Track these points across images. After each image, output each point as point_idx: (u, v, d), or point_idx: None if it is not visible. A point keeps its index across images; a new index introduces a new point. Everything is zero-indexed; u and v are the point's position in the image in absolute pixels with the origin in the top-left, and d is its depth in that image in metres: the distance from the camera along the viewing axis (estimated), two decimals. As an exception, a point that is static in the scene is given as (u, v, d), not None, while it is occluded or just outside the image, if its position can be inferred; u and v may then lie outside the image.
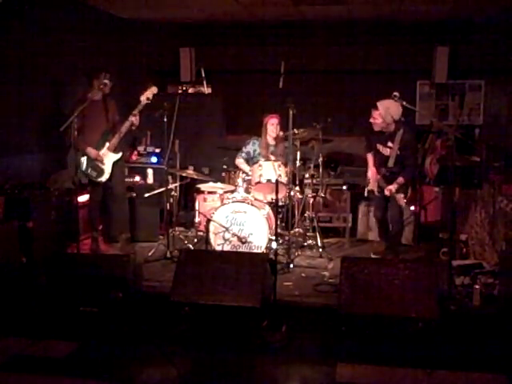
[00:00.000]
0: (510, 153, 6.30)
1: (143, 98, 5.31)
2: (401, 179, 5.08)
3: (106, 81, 5.30)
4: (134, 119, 5.34)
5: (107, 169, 5.42)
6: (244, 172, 5.76)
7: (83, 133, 5.29)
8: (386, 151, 5.21)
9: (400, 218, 5.40)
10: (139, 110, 5.32)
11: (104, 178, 5.43)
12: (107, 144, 5.40)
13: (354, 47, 7.31)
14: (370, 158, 5.45)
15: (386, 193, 5.07)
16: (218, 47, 7.60)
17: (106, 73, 5.35)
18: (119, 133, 5.38)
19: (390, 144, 5.18)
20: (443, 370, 3.41)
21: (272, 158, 5.67)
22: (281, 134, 5.79)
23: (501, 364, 3.47)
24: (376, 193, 5.30)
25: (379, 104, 5.09)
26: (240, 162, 6.00)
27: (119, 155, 5.50)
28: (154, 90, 5.35)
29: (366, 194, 5.53)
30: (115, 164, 5.47)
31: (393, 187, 5.04)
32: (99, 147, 5.39)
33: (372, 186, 5.36)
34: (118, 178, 5.60)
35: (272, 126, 5.83)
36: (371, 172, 5.39)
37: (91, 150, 5.34)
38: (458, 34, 7.05)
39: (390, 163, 5.16)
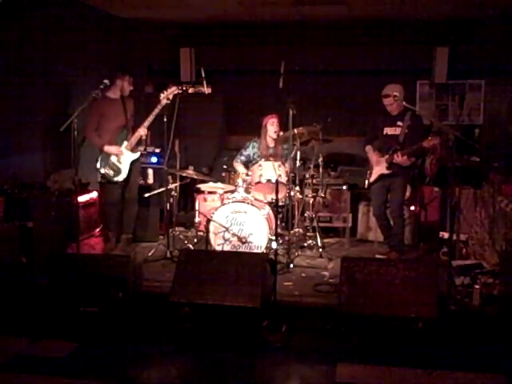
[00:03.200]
0: (510, 153, 6.30)
1: (163, 98, 5.27)
2: (414, 147, 5.18)
3: (130, 79, 5.35)
4: (143, 133, 5.35)
5: (124, 168, 5.39)
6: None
7: (100, 131, 5.29)
8: (396, 130, 5.29)
9: (400, 212, 5.43)
10: (159, 110, 5.28)
11: (121, 178, 5.39)
12: (125, 143, 5.38)
13: (353, 47, 7.31)
14: (370, 149, 5.50)
15: (398, 159, 5.17)
16: (218, 47, 7.60)
17: (130, 76, 5.38)
18: (137, 133, 5.37)
19: (399, 123, 5.29)
20: (443, 370, 3.41)
21: (272, 158, 5.66)
22: (281, 134, 5.78)
23: (501, 364, 3.47)
24: (386, 170, 5.30)
25: (389, 89, 5.24)
26: (237, 164, 5.98)
27: (137, 155, 5.49)
28: (174, 89, 5.32)
29: (366, 186, 5.54)
30: (132, 164, 5.45)
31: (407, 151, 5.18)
32: (117, 145, 5.38)
33: (380, 170, 5.35)
34: (133, 180, 5.56)
35: (272, 125, 5.82)
36: (374, 158, 5.41)
37: (110, 148, 5.32)
38: (458, 34, 7.05)
39: (400, 139, 5.25)
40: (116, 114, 5.36)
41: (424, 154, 5.94)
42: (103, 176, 5.41)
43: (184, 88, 7.12)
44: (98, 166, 5.35)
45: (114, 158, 5.36)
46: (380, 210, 5.50)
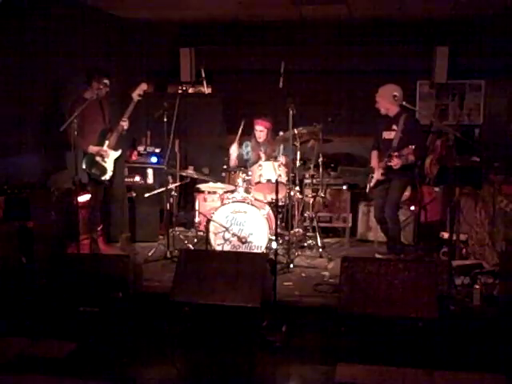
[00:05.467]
0: (510, 153, 6.30)
1: (134, 95, 5.37)
2: (410, 148, 5.01)
3: (107, 81, 5.33)
4: (124, 124, 5.38)
5: (109, 167, 5.42)
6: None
7: (82, 133, 5.30)
8: (391, 134, 5.25)
9: (394, 215, 5.35)
10: (133, 107, 5.37)
11: (108, 176, 5.42)
12: (107, 142, 5.40)
13: (354, 47, 7.31)
14: (374, 155, 5.49)
15: (393, 162, 5.07)
16: (218, 47, 7.60)
17: (107, 76, 5.38)
18: (116, 131, 5.41)
19: (394, 127, 5.25)
20: (443, 370, 3.41)
21: (263, 157, 5.68)
22: (281, 133, 5.78)
23: (501, 364, 3.47)
24: (380, 177, 5.28)
25: (381, 87, 5.28)
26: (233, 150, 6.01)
27: (119, 152, 5.51)
28: (143, 86, 5.41)
29: (367, 191, 5.53)
30: (116, 162, 5.48)
31: (397, 154, 5.05)
32: (99, 146, 5.40)
33: (376, 176, 5.35)
34: (118, 177, 5.63)
35: (257, 131, 5.85)
36: (374, 164, 5.41)
37: (94, 148, 5.35)
38: (458, 34, 7.05)
39: (394, 143, 5.17)
40: (95, 115, 5.39)
41: (425, 153, 5.92)
42: (91, 176, 5.42)
43: (184, 88, 7.17)
44: (85, 167, 5.36)
45: (98, 158, 5.38)
46: (381, 213, 5.46)
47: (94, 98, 5.34)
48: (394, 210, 5.35)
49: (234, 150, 5.96)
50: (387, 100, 5.23)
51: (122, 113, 5.41)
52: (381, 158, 5.34)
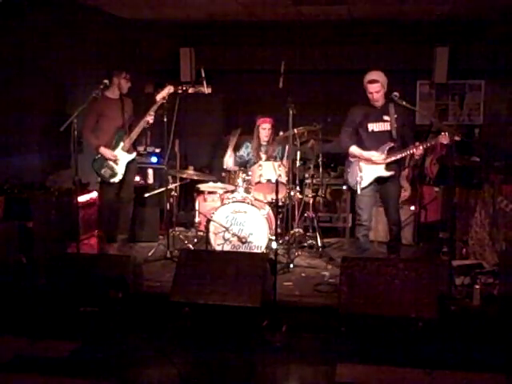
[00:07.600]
0: (510, 153, 6.30)
1: (159, 98, 5.29)
2: (432, 142, 4.89)
3: (126, 74, 5.33)
4: (150, 118, 5.33)
5: (120, 170, 5.39)
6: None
7: (98, 132, 5.28)
8: (384, 126, 4.92)
9: (399, 216, 5.25)
10: (155, 109, 5.31)
11: (117, 179, 5.39)
12: (121, 144, 5.38)
13: (354, 47, 7.31)
14: (356, 149, 4.99)
15: (417, 151, 4.78)
16: (218, 47, 7.61)
17: (127, 72, 5.37)
18: (134, 133, 5.38)
19: (386, 117, 4.92)
20: (443, 369, 3.41)
21: (264, 156, 5.67)
22: (281, 133, 5.79)
23: (501, 364, 3.46)
24: (385, 172, 4.88)
25: (374, 74, 4.90)
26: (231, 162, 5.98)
27: (133, 155, 5.49)
28: (170, 89, 5.33)
29: (359, 191, 4.92)
30: (128, 165, 5.45)
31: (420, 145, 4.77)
32: (114, 147, 5.37)
33: (372, 173, 4.91)
34: (129, 181, 5.56)
35: (264, 130, 5.83)
36: (366, 159, 4.93)
37: (105, 151, 5.31)
38: (458, 34, 7.06)
39: (394, 135, 4.88)
40: (114, 114, 5.36)
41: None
42: (100, 176, 5.41)
43: (184, 88, 7.16)
44: (94, 166, 5.35)
45: (110, 160, 5.36)
46: (371, 216, 5.16)
47: (116, 96, 5.32)
48: (399, 212, 5.21)
49: (227, 160, 5.92)
50: (385, 88, 4.89)
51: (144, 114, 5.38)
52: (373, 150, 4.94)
